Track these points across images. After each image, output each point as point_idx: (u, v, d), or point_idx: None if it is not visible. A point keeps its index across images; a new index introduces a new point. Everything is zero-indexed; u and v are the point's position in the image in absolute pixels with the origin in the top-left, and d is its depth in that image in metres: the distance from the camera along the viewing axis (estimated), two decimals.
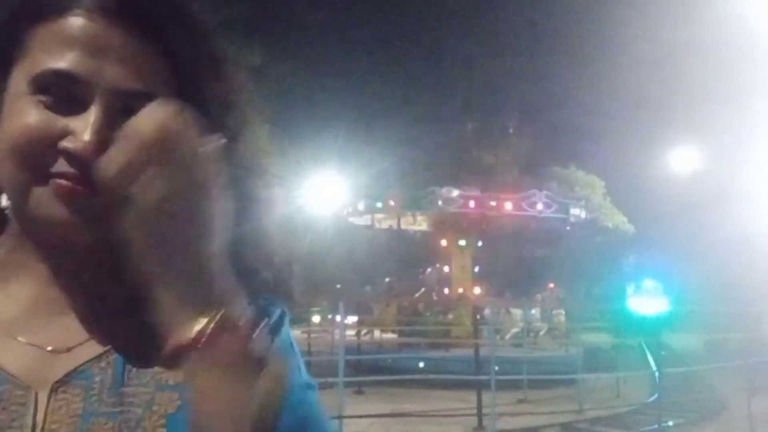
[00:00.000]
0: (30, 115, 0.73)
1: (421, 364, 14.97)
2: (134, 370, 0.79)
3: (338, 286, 23.98)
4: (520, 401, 12.67)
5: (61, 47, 0.74)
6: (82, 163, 0.71)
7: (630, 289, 13.61)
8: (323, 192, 23.41)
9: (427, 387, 14.03)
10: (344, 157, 24.88)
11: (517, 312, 20.67)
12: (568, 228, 23.46)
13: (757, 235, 22.68)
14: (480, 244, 21.69)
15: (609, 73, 29.41)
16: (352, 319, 18.76)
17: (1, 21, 0.78)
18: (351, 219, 23.43)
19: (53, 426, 0.76)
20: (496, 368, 9.85)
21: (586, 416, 11.45)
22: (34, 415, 0.76)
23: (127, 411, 0.77)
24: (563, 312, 21.87)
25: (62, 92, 0.74)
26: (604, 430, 10.29)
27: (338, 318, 13.85)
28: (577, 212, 22.12)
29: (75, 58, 0.74)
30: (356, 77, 39.36)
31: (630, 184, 29.60)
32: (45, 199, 0.73)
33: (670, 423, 10.01)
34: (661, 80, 29.03)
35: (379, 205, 21.41)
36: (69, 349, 0.80)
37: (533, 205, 20.30)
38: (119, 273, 0.73)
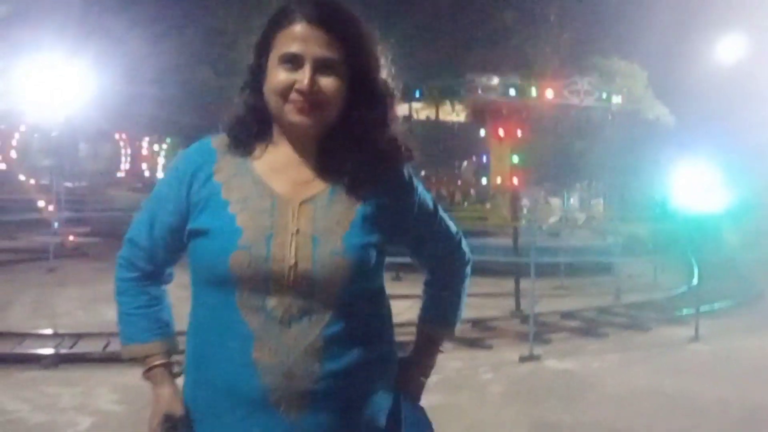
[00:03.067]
0: (282, 73, 1.61)
1: None
2: (339, 195, 1.66)
3: None
4: (557, 288, 12.78)
5: (291, 41, 1.61)
6: (304, 92, 1.59)
7: (677, 180, 13.26)
8: None
9: None
10: (380, 46, 24.47)
11: (555, 201, 20.59)
12: (609, 118, 23.02)
13: None
14: (519, 133, 21.37)
15: None
16: None
17: (264, 33, 1.67)
18: None
19: (301, 222, 1.62)
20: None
21: (623, 302, 11.54)
22: (292, 216, 1.62)
23: (334, 212, 1.64)
24: (602, 202, 21.74)
25: (293, 61, 1.61)
26: (641, 314, 10.35)
27: None
28: (618, 101, 21.59)
29: (297, 45, 1.60)
30: None
31: (673, 75, 28.72)
32: (289, 110, 1.62)
33: (708, 309, 10.02)
34: None
35: (417, 94, 21.10)
36: (307, 182, 1.67)
37: (575, 92, 19.85)
38: (328, 145, 1.67)
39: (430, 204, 1.82)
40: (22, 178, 22.40)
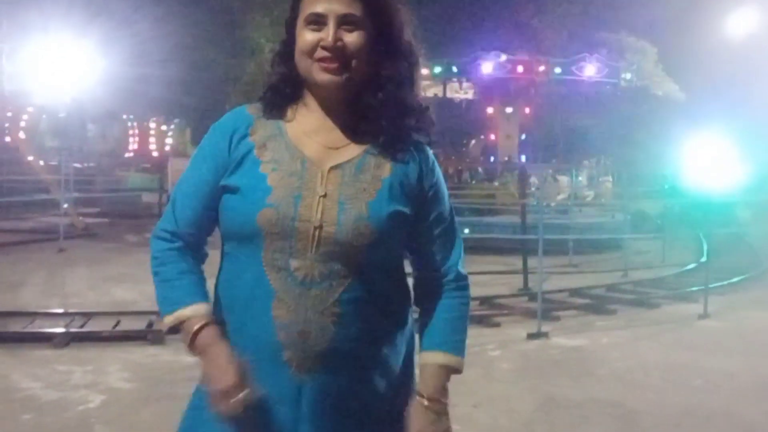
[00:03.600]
0: (308, 34, 1.66)
1: (467, 230, 15.07)
2: (367, 163, 1.70)
3: None
4: (565, 265, 12.79)
5: (314, 2, 1.66)
6: (329, 48, 1.64)
7: (687, 156, 13.08)
8: None
9: (472, 252, 14.16)
10: (405, 9, 24.31)
11: (563, 179, 20.54)
12: (618, 94, 22.88)
13: None
14: (527, 111, 21.28)
15: None
16: None
17: (292, 3, 1.73)
18: None
19: (329, 186, 1.66)
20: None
21: (631, 278, 11.54)
22: (321, 180, 1.66)
23: (361, 180, 1.68)
24: (610, 179, 21.67)
25: (317, 21, 1.65)
26: (649, 291, 10.35)
27: None
28: (627, 77, 21.45)
29: (320, 5, 1.65)
30: None
31: (683, 51, 28.43)
32: (316, 69, 1.66)
33: (716, 285, 10.01)
34: None
35: (425, 72, 20.99)
36: (337, 149, 1.71)
37: (583, 69, 19.71)
38: (357, 108, 1.71)
39: (446, 199, 1.83)
40: (30, 158, 22.44)
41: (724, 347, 7.21)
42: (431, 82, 21.88)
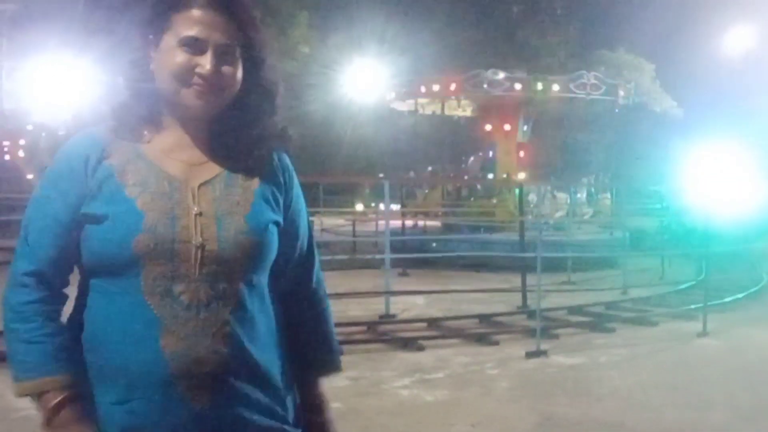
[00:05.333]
0: (181, 56, 1.59)
1: (465, 248, 15.08)
2: (235, 177, 1.67)
3: (381, 175, 24.00)
4: (564, 283, 12.78)
5: (191, 24, 1.59)
6: (206, 78, 1.59)
7: (685, 173, 12.96)
8: (365, 78, 23.11)
9: (471, 270, 14.21)
10: (386, 42, 24.43)
11: (562, 196, 20.57)
12: (616, 111, 22.95)
13: None
14: (525, 128, 21.34)
15: None
16: (395, 207, 18.88)
17: (155, 12, 1.62)
18: (394, 105, 23.15)
19: (202, 204, 1.61)
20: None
21: (631, 296, 11.52)
22: (193, 198, 1.61)
23: (233, 194, 1.65)
24: (609, 196, 21.70)
25: (194, 45, 1.59)
26: (649, 309, 10.33)
27: (383, 203, 13.95)
28: (625, 95, 21.53)
29: (198, 29, 1.59)
30: None
31: (680, 68, 28.59)
32: (188, 94, 1.60)
33: (716, 303, 9.98)
34: None
35: (423, 89, 21.06)
36: (200, 165, 1.66)
37: (581, 86, 19.77)
38: (222, 127, 1.67)
39: (304, 210, 1.82)
40: (30, 177, 22.46)
41: (723, 366, 7.19)
42: (429, 99, 21.94)
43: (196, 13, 1.60)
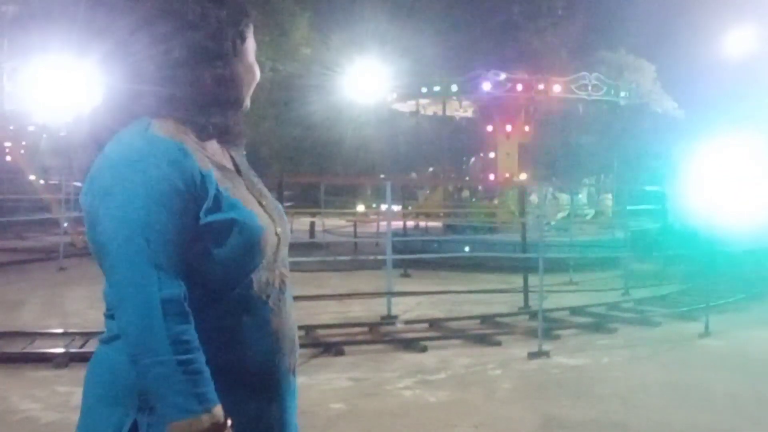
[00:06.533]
0: (256, 65, 1.72)
1: (467, 249, 15.07)
2: (244, 162, 1.77)
3: (382, 176, 23.99)
4: (565, 283, 12.77)
5: (252, 36, 1.72)
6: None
7: (686, 174, 12.90)
8: (366, 79, 23.10)
9: (473, 271, 14.20)
10: (388, 43, 24.40)
11: (563, 197, 20.55)
12: (617, 112, 22.94)
13: None
14: (527, 129, 21.32)
15: None
16: (396, 208, 18.87)
17: (237, 15, 1.68)
18: (395, 106, 23.14)
19: (254, 192, 1.67)
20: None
21: (632, 297, 11.51)
22: (248, 187, 1.67)
23: (258, 183, 1.73)
24: (610, 197, 21.68)
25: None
26: (650, 309, 10.33)
27: (384, 204, 13.94)
28: (626, 96, 21.52)
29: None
30: None
31: (681, 69, 28.57)
32: (246, 99, 1.73)
33: (717, 303, 9.97)
34: None
35: (424, 90, 21.05)
36: (222, 158, 1.69)
37: (583, 87, 19.77)
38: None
39: None
40: (31, 178, 22.48)
41: (725, 366, 7.18)
42: (431, 100, 21.93)
43: (252, 26, 1.73)
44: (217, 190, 1.55)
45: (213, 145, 1.67)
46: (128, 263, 1.45)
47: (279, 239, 1.65)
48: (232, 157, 1.73)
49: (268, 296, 1.61)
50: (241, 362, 1.58)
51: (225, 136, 1.69)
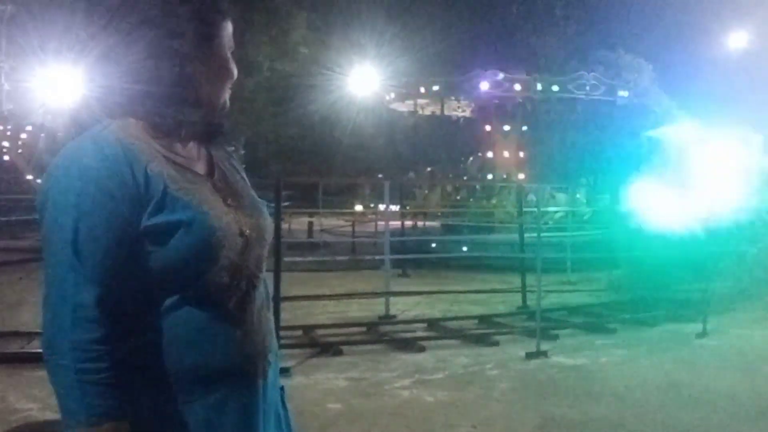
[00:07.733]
0: (231, 63, 1.67)
1: (465, 248, 15.08)
2: (226, 158, 1.72)
3: (380, 175, 24.00)
4: (563, 283, 12.77)
5: (229, 33, 1.67)
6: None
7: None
8: (365, 79, 23.11)
9: (471, 271, 14.20)
10: (386, 43, 24.42)
11: (561, 196, 20.56)
12: (615, 111, 22.97)
13: None
14: (525, 128, 21.34)
15: None
16: (394, 207, 18.87)
17: (209, 13, 1.62)
18: (393, 105, 23.16)
19: (225, 193, 1.62)
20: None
21: (630, 297, 11.50)
22: (218, 190, 1.61)
23: (236, 182, 1.68)
24: (608, 196, 21.70)
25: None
26: (648, 310, 10.31)
27: (383, 204, 13.95)
28: (624, 95, 21.54)
29: (231, 39, 1.68)
30: None
31: (679, 68, 28.60)
32: (224, 96, 1.67)
33: (715, 303, 9.97)
34: None
35: (423, 90, 21.06)
36: (198, 160, 1.64)
37: (580, 87, 19.80)
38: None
39: None
40: (29, 177, 22.46)
41: (723, 366, 7.19)
42: (429, 99, 21.94)
43: (230, 23, 1.67)
44: (165, 191, 1.51)
45: (187, 145, 1.63)
46: (52, 265, 1.46)
47: (247, 240, 1.58)
48: (211, 156, 1.68)
49: (228, 298, 1.54)
50: (192, 366, 1.53)
51: (198, 136, 1.64)
